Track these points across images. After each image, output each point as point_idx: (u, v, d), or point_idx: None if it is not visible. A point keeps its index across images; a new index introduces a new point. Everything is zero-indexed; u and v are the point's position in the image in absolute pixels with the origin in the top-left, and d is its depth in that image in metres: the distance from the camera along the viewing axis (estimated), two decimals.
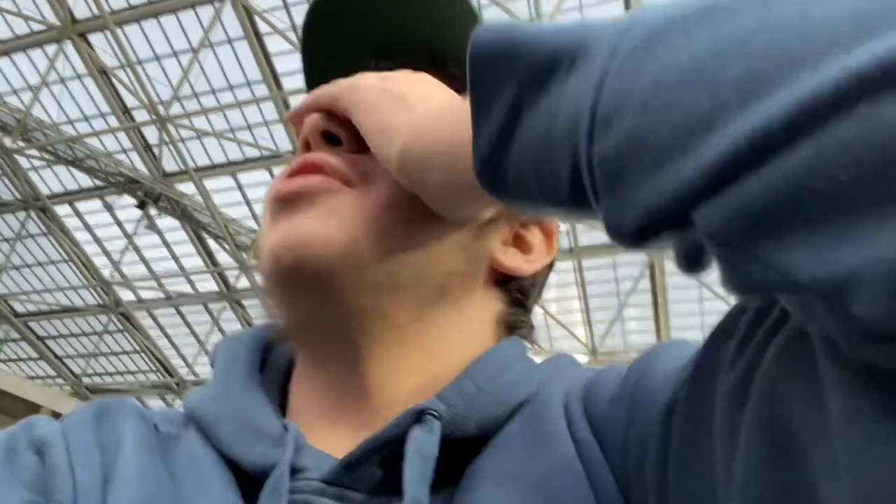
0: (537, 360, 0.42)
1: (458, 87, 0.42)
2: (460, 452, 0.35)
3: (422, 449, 0.33)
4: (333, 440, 0.37)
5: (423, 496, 0.31)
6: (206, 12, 6.14)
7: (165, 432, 0.40)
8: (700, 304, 7.45)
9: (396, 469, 0.33)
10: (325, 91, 0.41)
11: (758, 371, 0.21)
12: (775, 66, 0.16)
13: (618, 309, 7.41)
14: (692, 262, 0.20)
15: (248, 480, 0.35)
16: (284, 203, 0.39)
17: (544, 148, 0.24)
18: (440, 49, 0.46)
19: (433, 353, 0.40)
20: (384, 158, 0.36)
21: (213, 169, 7.05)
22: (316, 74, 0.50)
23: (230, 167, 6.99)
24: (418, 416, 0.34)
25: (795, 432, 0.19)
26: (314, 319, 0.40)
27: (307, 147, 0.42)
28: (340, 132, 0.41)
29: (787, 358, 0.19)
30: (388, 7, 0.46)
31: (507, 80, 0.26)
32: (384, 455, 0.34)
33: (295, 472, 0.34)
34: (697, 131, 0.18)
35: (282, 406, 0.42)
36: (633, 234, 0.20)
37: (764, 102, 0.16)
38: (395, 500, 0.33)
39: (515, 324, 0.45)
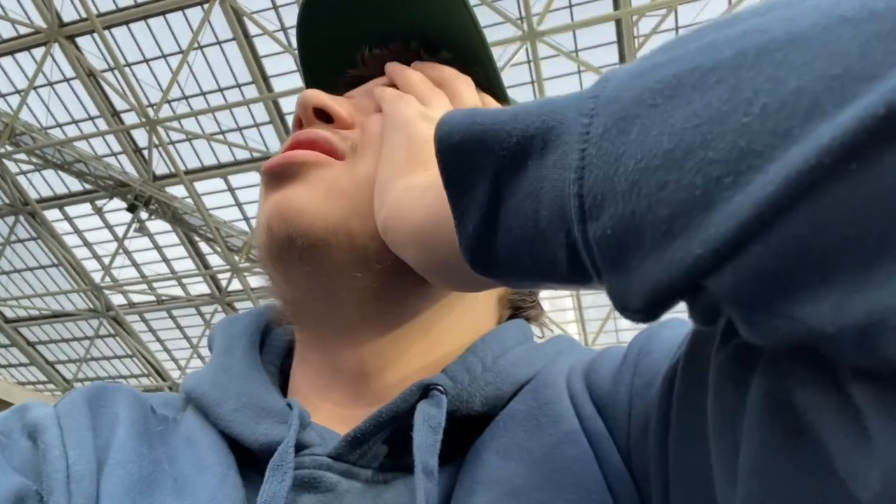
0: (538, 341, 0.43)
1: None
2: (466, 430, 0.35)
3: (429, 421, 0.33)
4: (336, 419, 0.38)
5: (433, 463, 0.32)
6: (195, 14, 6.12)
7: (163, 415, 0.40)
8: None
9: (401, 446, 0.34)
10: (385, 98, 0.42)
11: (759, 353, 0.21)
12: (761, 140, 0.17)
13: (610, 307, 7.42)
14: (708, 320, 0.20)
15: (250, 459, 0.36)
16: (274, 175, 0.40)
17: (535, 231, 0.24)
18: (432, 34, 0.46)
19: (433, 331, 0.41)
20: (375, 216, 0.37)
21: (204, 171, 7.03)
22: (311, 61, 0.50)
23: (221, 169, 6.97)
24: (424, 391, 0.35)
25: (805, 410, 0.19)
26: (311, 294, 0.40)
27: (300, 125, 0.43)
28: (332, 110, 0.42)
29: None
30: None
31: (480, 169, 0.26)
32: (389, 431, 0.35)
33: (300, 448, 0.34)
34: (697, 210, 0.18)
35: (281, 388, 0.42)
36: (644, 308, 0.21)
37: (756, 175, 0.17)
38: (400, 476, 0.35)
39: (518, 303, 0.46)
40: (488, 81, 0.47)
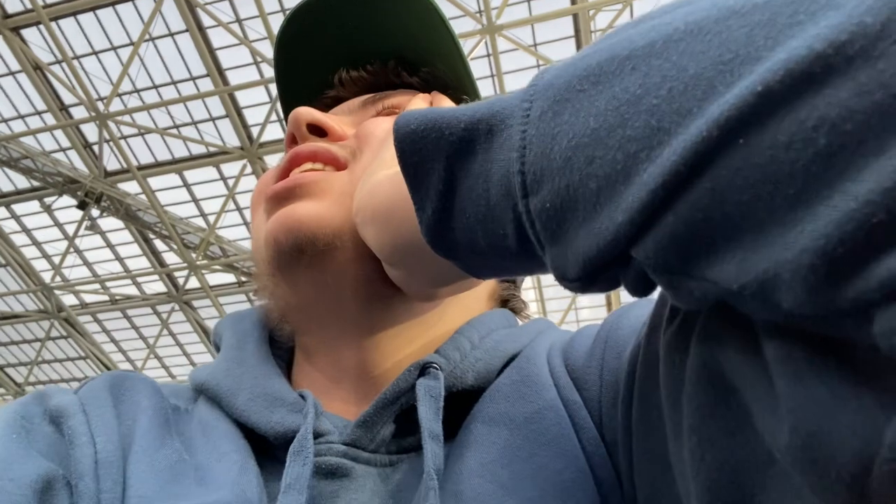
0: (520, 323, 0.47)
1: (426, 88, 0.49)
2: (461, 406, 0.38)
3: (430, 391, 0.36)
4: (340, 412, 0.40)
5: (438, 428, 0.35)
6: (146, 4, 5.96)
7: (175, 405, 0.41)
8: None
9: (405, 428, 0.38)
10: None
11: (695, 323, 0.24)
12: (668, 119, 0.19)
13: (571, 299, 7.52)
14: (640, 289, 0.23)
15: (263, 447, 0.38)
16: (279, 199, 0.42)
17: (487, 209, 0.26)
18: (408, 55, 0.49)
19: (427, 323, 0.43)
20: (353, 198, 0.39)
21: (158, 167, 6.86)
22: (288, 84, 0.53)
23: (175, 165, 6.81)
24: (422, 369, 0.38)
25: (731, 377, 0.21)
26: (318, 299, 0.42)
27: (293, 142, 0.45)
28: (326, 124, 0.44)
29: (720, 311, 0.22)
30: (360, 18, 0.48)
31: (434, 155, 0.28)
32: (394, 412, 0.38)
33: (315, 436, 0.36)
34: (619, 182, 0.20)
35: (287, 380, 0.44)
36: (579, 278, 0.23)
37: (665, 149, 0.19)
38: (405, 458, 0.38)
39: (508, 298, 0.50)
40: (468, 95, 0.50)
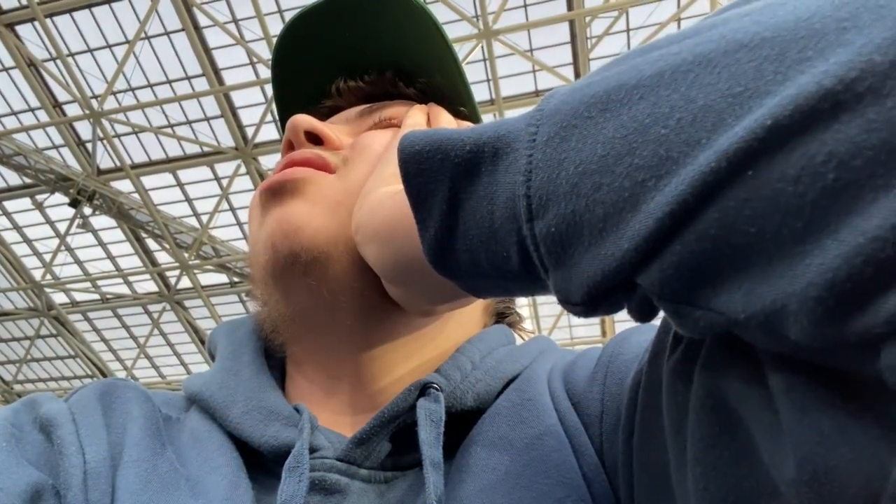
0: (519, 342, 0.47)
1: (423, 98, 0.49)
2: (459, 427, 0.38)
3: (431, 415, 0.36)
4: (335, 426, 0.40)
5: (439, 456, 0.34)
6: (142, 3, 5.94)
7: (167, 414, 0.41)
8: None
9: (401, 445, 0.37)
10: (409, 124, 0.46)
11: (699, 352, 0.23)
12: (677, 149, 0.19)
13: None
14: (644, 314, 0.23)
15: (256, 460, 0.37)
16: (273, 192, 0.42)
17: (490, 231, 0.26)
18: (406, 65, 0.49)
19: (424, 338, 0.43)
20: (353, 217, 0.40)
21: (151, 166, 6.83)
22: (286, 93, 0.53)
23: (169, 164, 6.79)
24: (422, 389, 0.37)
25: (736, 407, 0.21)
26: (313, 307, 0.41)
27: (290, 148, 0.45)
28: (322, 132, 0.45)
29: (725, 339, 0.22)
30: (358, 28, 0.49)
31: (439, 176, 0.28)
32: (390, 430, 0.37)
33: (310, 451, 0.36)
34: (626, 209, 0.20)
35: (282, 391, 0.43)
36: (583, 302, 0.23)
37: (673, 178, 0.19)
38: (400, 475, 0.37)
39: (504, 311, 0.50)
40: (464, 106, 0.50)
